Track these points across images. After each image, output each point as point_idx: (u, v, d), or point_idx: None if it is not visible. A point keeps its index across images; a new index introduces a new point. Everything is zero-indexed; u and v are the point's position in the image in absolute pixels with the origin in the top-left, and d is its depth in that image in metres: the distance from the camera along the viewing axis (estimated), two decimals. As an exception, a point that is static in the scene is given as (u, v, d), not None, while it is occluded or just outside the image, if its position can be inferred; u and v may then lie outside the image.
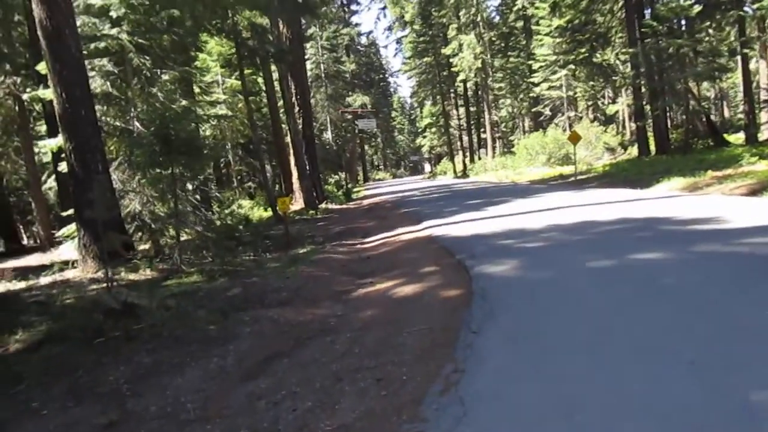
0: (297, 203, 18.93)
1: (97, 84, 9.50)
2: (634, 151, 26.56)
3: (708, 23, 21.51)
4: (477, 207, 13.08)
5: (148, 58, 9.78)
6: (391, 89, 76.69)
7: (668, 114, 22.60)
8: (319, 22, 41.24)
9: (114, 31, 9.39)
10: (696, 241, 5.77)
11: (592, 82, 35.08)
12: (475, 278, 5.42)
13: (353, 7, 61.44)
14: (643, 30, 21.65)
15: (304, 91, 21.30)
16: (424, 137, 60.76)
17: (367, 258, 8.26)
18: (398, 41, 57.78)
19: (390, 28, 59.18)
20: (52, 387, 3.77)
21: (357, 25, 66.35)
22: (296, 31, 20.82)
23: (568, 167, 25.73)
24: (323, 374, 3.54)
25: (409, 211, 15.09)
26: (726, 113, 42.96)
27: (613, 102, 38.28)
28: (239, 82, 18.64)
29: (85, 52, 9.36)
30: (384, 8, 58.49)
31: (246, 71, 20.67)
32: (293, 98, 19.88)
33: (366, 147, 67.32)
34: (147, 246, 10.41)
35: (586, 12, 25.48)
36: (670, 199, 10.37)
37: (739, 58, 23.84)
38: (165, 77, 10.11)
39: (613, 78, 31.74)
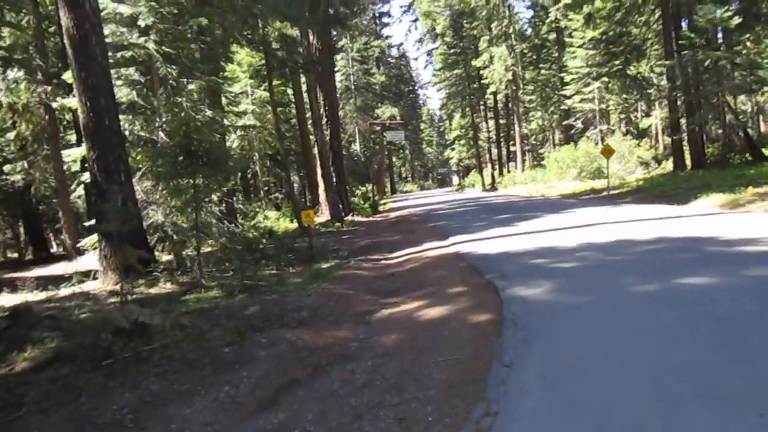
0: (323, 215, 18.73)
1: (122, 93, 9.40)
2: (668, 165, 25.84)
3: (747, 35, 20.83)
4: (506, 222, 12.68)
5: (174, 67, 9.66)
6: (421, 101, 76.63)
7: (704, 128, 21.88)
8: (349, 33, 41.25)
9: (141, 40, 9.29)
10: (747, 264, 5.34)
11: (625, 95, 34.33)
12: (507, 301, 5.07)
13: (385, 20, 61.78)
14: (680, 42, 21.10)
15: (333, 103, 21.16)
16: (453, 149, 60.37)
17: (391, 275, 7.94)
18: (429, 53, 57.67)
19: (421, 40, 59.08)
20: (52, 414, 3.52)
21: (388, 37, 66.68)
22: (326, 42, 20.73)
23: (600, 181, 25.11)
24: (341, 409, 3.23)
25: (437, 225, 14.75)
26: (762, 128, 41.70)
27: (647, 115, 37.49)
28: (268, 93, 18.55)
29: (111, 61, 9.27)
30: (415, 21, 58.61)
31: (275, 82, 20.64)
32: (321, 109, 19.74)
33: (394, 159, 67.20)
34: (170, 257, 10.27)
35: (621, 24, 24.99)
36: (710, 217, 9.87)
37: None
38: (191, 86, 9.96)
39: (648, 91, 31.05)
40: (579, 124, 37.15)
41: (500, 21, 40.72)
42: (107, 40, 9.27)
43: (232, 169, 11.00)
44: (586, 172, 29.32)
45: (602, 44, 26.26)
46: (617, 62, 25.58)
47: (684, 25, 22.08)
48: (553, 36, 42.98)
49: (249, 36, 15.86)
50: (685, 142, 23.19)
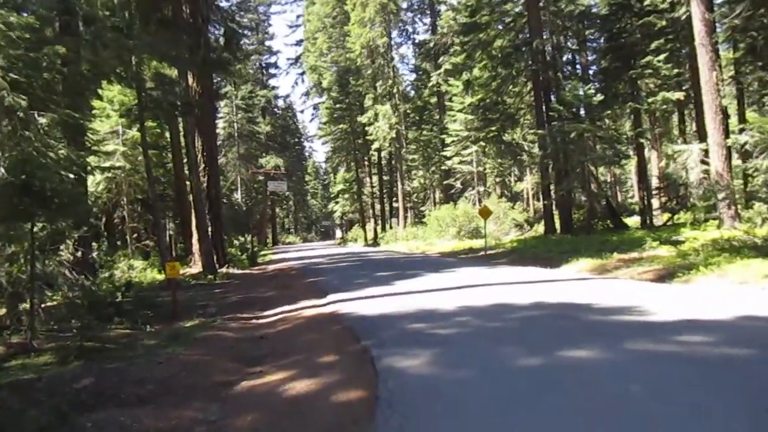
0: (196, 266, 17.49)
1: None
2: (539, 228, 27.06)
3: (608, 112, 22.59)
4: (387, 280, 12.29)
5: (24, 97, 8.50)
6: (306, 153, 76.55)
7: (572, 194, 23.21)
8: (233, 80, 40.48)
9: (-18, 65, 8.12)
10: (624, 336, 5.18)
11: (500, 160, 36.03)
12: (383, 375, 4.53)
13: (272, 71, 61.56)
14: (550, 113, 22.38)
15: (212, 148, 20.19)
16: (337, 203, 60.32)
17: (260, 338, 7.19)
18: (315, 107, 57.97)
19: (307, 93, 59.46)
20: None
21: (275, 87, 66.37)
22: (207, 86, 19.89)
23: (478, 240, 25.73)
24: None
25: (316, 280, 14.12)
26: (619, 197, 45.47)
27: (520, 180, 39.54)
28: (139, 134, 17.30)
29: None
30: (302, 74, 58.91)
31: (150, 123, 19.39)
32: (199, 155, 18.71)
33: (277, 209, 65.96)
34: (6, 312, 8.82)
35: (497, 92, 26.21)
36: (582, 282, 10.06)
37: (633, 146, 25.13)
38: (42, 120, 8.81)
39: (520, 157, 32.75)
40: (458, 185, 38.41)
41: (385, 80, 41.78)
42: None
43: (85, 213, 9.85)
44: (465, 232, 30.04)
45: (480, 110, 27.39)
46: (493, 128, 26.71)
47: (553, 98, 23.53)
48: (434, 99, 44.67)
49: (121, 73, 14.74)
50: (554, 207, 24.42)
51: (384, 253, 26.88)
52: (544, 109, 23.60)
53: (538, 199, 38.08)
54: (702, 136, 19.28)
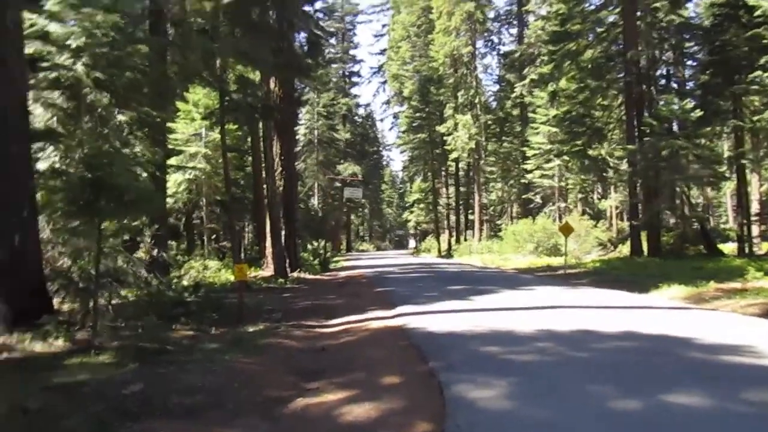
0: (268, 269, 17.48)
1: (39, 117, 8.24)
2: (624, 249, 25.56)
3: (707, 129, 21.08)
4: (459, 294, 11.72)
5: (106, 94, 8.59)
6: (384, 162, 76.69)
7: (661, 215, 21.76)
8: (313, 85, 40.99)
9: (68, 62, 8.24)
10: (739, 382, 4.41)
11: (583, 176, 34.55)
12: (451, 406, 4.01)
13: (354, 79, 62.15)
14: (642, 128, 21.13)
15: (290, 153, 20.25)
16: (411, 212, 59.89)
17: (322, 349, 6.81)
18: (395, 116, 57.92)
19: (388, 102, 59.55)
20: None
21: (356, 96, 66.99)
22: (288, 90, 19.98)
23: (557, 258, 24.59)
24: None
25: (386, 290, 13.70)
26: (711, 222, 42.65)
27: (603, 197, 37.77)
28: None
29: (32, 82, 8.16)
30: (384, 83, 59.16)
31: (231, 126, 19.69)
32: (276, 158, 18.76)
33: (353, 217, 66.34)
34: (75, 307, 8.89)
35: (585, 105, 25.07)
36: (677, 312, 9.10)
37: (734, 168, 23.38)
38: (121, 117, 8.87)
39: (605, 174, 31.24)
40: (538, 199, 37.18)
41: (467, 90, 41.18)
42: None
43: (158, 211, 9.86)
44: (543, 248, 28.88)
45: (565, 123, 26.27)
46: (579, 142, 25.52)
47: (645, 113, 22.22)
48: (517, 111, 43.59)
49: (205, 75, 14.97)
50: (641, 228, 22.97)
51: (457, 266, 26.17)
52: (635, 124, 22.31)
53: (623, 219, 36.26)
54: None
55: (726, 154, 26.20)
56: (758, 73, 18.94)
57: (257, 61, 15.22)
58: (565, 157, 29.07)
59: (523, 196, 39.68)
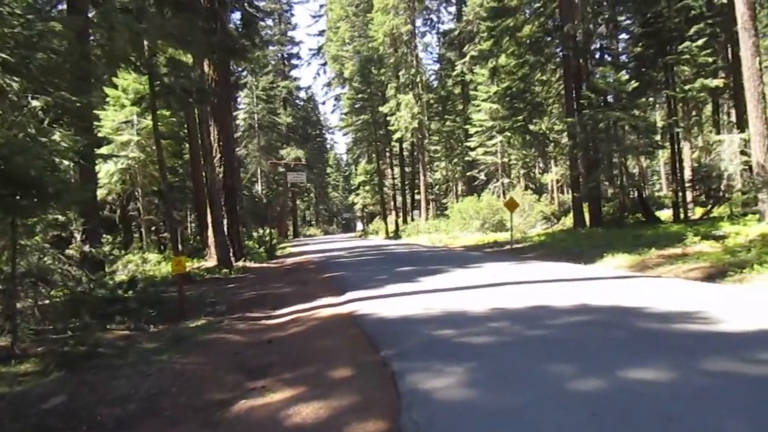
0: (211, 259, 16.85)
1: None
2: (567, 221, 25.99)
3: (642, 100, 21.50)
4: (409, 276, 11.48)
5: (17, 79, 7.80)
6: (328, 145, 75.89)
7: (601, 186, 22.13)
8: (250, 68, 39.95)
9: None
10: (695, 352, 4.32)
11: (525, 151, 34.97)
12: (406, 400, 3.73)
13: (294, 61, 60.93)
14: (580, 101, 21.36)
15: (228, 138, 19.47)
16: (357, 195, 59.51)
17: (269, 342, 6.43)
18: (337, 98, 57.27)
19: (329, 84, 58.77)
20: None
21: (296, 79, 65.72)
22: (224, 74, 19.18)
23: (503, 234, 24.78)
24: None
25: (334, 276, 13.36)
26: (647, 190, 44.04)
27: (545, 172, 38.37)
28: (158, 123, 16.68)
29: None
30: (324, 64, 58.20)
31: (165, 113, 18.83)
32: (214, 144, 18.01)
33: (298, 202, 65.42)
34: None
35: (525, 80, 25.20)
36: (624, 281, 9.13)
37: (667, 137, 23.96)
38: (35, 103, 8.11)
39: (546, 149, 31.67)
40: (482, 176, 37.42)
41: (407, 69, 40.98)
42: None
43: (81, 202, 9.21)
44: (489, 224, 29.09)
45: (506, 99, 26.38)
46: (520, 117, 25.67)
47: (583, 86, 22.47)
48: (458, 90, 43.70)
49: (134, 59, 14.14)
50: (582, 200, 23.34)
51: (405, 246, 26.05)
52: (574, 97, 22.55)
53: (563, 192, 36.98)
54: (741, 126, 18.20)
55: (660, 124, 26.92)
56: (688, 43, 19.40)
57: (189, 43, 14.43)
58: (507, 133, 29.23)
59: (468, 174, 39.88)
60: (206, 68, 17.59)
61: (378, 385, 4.20)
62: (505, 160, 35.89)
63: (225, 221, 17.64)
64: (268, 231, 30.58)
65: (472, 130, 35.93)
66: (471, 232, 28.98)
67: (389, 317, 6.90)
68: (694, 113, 27.79)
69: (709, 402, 3.27)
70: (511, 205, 20.40)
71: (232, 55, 18.84)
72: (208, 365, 5.34)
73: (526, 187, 34.78)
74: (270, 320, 8.11)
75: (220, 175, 17.90)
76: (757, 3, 15.96)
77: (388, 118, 41.57)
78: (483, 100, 32.90)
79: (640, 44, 22.35)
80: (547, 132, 29.37)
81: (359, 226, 68.12)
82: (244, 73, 44.17)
